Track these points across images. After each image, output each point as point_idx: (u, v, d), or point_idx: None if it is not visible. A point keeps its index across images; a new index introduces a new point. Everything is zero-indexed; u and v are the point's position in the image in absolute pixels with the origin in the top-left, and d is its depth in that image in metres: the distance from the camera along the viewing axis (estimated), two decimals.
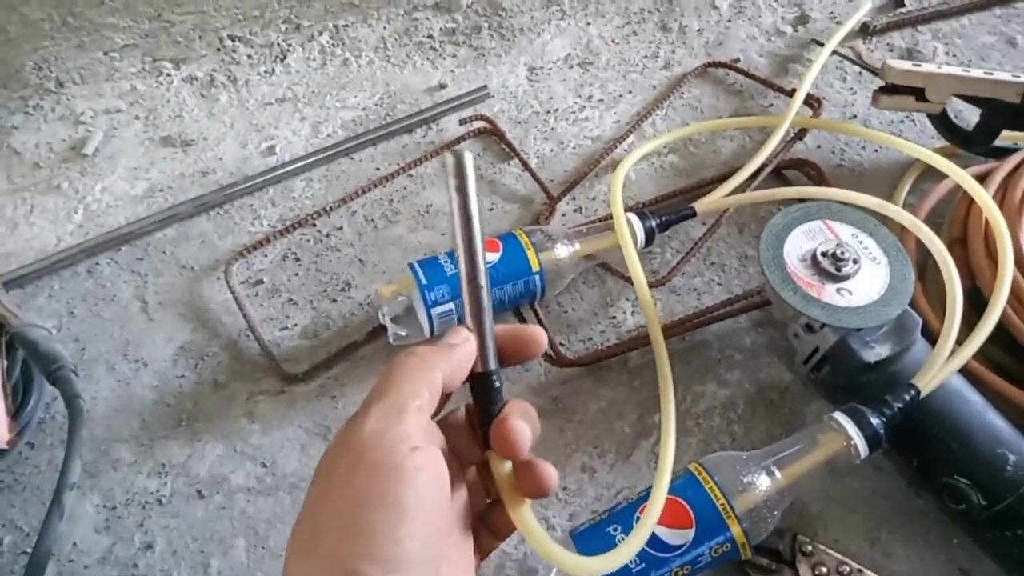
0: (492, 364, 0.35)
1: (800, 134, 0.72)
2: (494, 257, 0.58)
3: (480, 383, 0.35)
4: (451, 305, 0.56)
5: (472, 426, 0.37)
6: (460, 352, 0.34)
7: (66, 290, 0.67)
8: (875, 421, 0.47)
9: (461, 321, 0.36)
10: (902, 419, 0.48)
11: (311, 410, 0.59)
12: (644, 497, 0.48)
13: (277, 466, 0.57)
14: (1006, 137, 0.69)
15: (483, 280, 0.34)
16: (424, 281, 0.56)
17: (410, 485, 0.30)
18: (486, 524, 0.38)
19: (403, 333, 0.57)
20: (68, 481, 0.51)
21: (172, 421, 0.59)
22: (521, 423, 0.34)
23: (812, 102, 0.74)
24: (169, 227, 0.70)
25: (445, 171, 0.33)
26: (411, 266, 0.57)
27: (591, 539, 0.47)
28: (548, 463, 0.35)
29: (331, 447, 0.32)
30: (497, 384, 0.35)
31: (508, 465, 0.35)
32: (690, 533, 0.46)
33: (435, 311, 0.56)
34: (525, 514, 0.34)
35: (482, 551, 0.38)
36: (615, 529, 0.47)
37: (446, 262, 0.58)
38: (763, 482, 0.47)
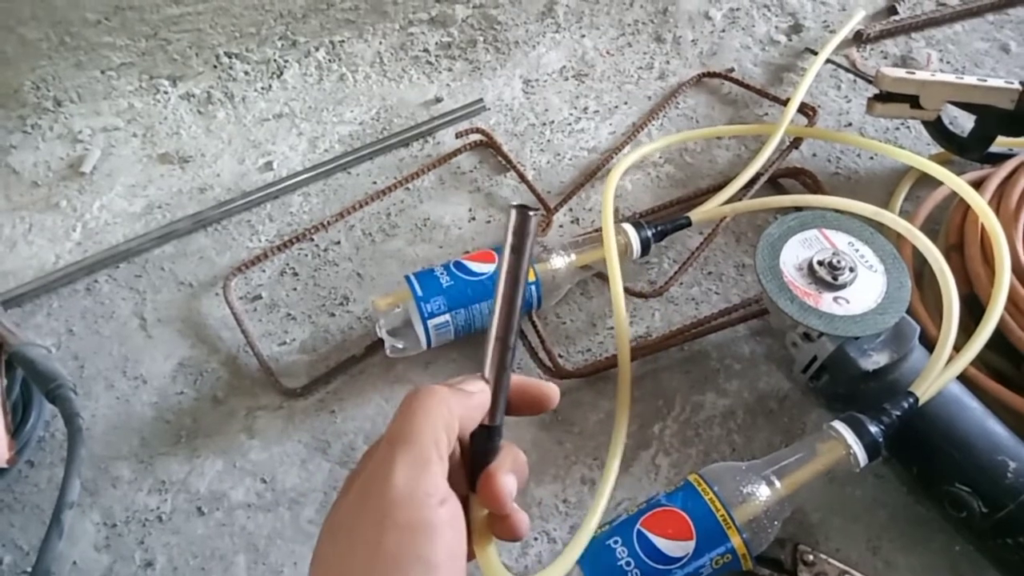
0: (499, 420, 0.36)
1: (795, 143, 0.73)
2: (490, 268, 0.58)
3: (482, 435, 0.35)
4: (447, 317, 0.56)
5: (461, 461, 0.37)
6: (476, 401, 0.34)
7: (65, 308, 0.67)
8: (874, 429, 0.47)
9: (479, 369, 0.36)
10: (901, 427, 0.48)
11: (310, 425, 0.59)
12: (645, 509, 0.48)
13: (277, 481, 0.57)
14: (1001, 143, 0.69)
15: (512, 341, 0.34)
16: (420, 293, 0.56)
17: (440, 540, 0.30)
18: None
19: (400, 345, 0.57)
20: (67, 500, 0.51)
21: (171, 438, 0.59)
22: (510, 479, 0.35)
23: (807, 111, 0.75)
24: (167, 244, 0.70)
25: (507, 226, 0.32)
26: (407, 278, 0.57)
27: (594, 553, 0.47)
28: (524, 513, 0.35)
29: (351, 496, 0.32)
30: (498, 439, 0.36)
31: (485, 510, 0.36)
32: (691, 545, 0.46)
33: (431, 323, 0.56)
34: (491, 556, 0.35)
35: None
36: (615, 542, 0.47)
37: (442, 274, 0.58)
38: (763, 492, 0.47)
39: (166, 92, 0.80)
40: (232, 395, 0.61)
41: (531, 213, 0.32)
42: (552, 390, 0.38)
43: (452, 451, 0.36)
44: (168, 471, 0.58)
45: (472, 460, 0.36)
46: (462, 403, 0.34)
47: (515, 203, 0.33)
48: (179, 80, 0.81)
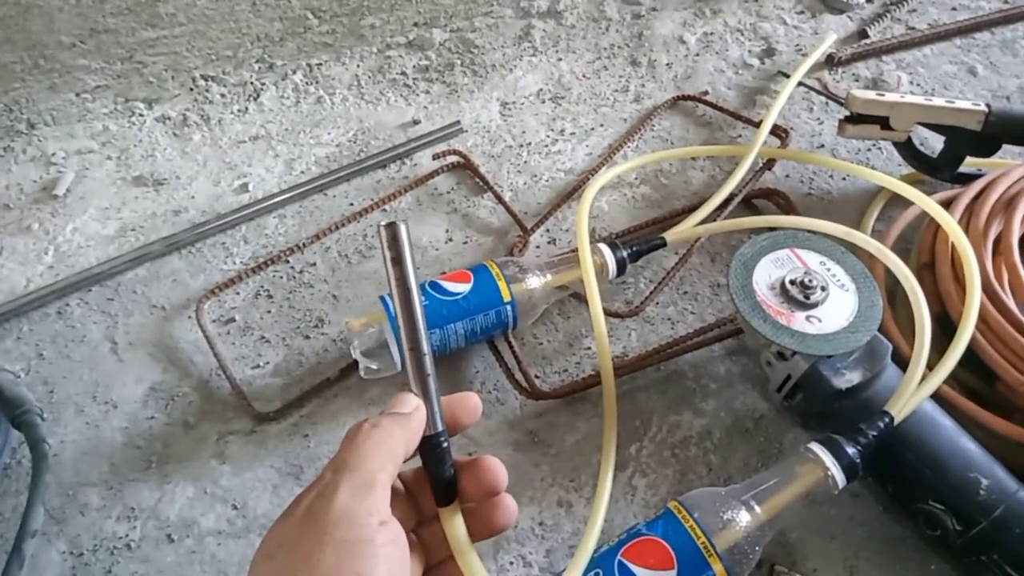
0: (440, 425, 0.36)
1: (768, 164, 0.73)
2: (465, 288, 0.58)
3: (429, 445, 0.36)
4: None
5: (408, 493, 0.37)
6: (416, 422, 0.35)
7: (35, 332, 0.66)
8: (851, 451, 0.47)
9: (407, 385, 0.36)
10: (877, 447, 0.48)
11: (283, 450, 0.58)
12: (625, 539, 0.47)
13: (248, 508, 0.56)
14: (970, 163, 0.71)
15: (425, 347, 0.35)
16: (395, 313, 0.56)
17: (382, 561, 0.30)
18: None
19: (374, 367, 0.57)
20: (29, 528, 0.49)
21: (142, 464, 0.58)
22: (495, 459, 0.36)
23: (779, 132, 0.76)
24: (140, 267, 0.70)
25: (381, 243, 0.34)
26: (382, 299, 0.57)
27: None
28: (510, 496, 0.36)
29: (292, 517, 0.32)
30: (445, 444, 0.36)
31: (460, 520, 0.36)
32: (672, 574, 0.45)
33: None
34: (474, 562, 0.35)
35: None
36: (597, 574, 0.46)
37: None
38: (743, 518, 0.46)
39: (141, 115, 0.80)
40: (204, 420, 0.60)
41: (399, 224, 0.34)
42: (473, 397, 0.38)
43: (395, 485, 0.37)
44: (138, 498, 0.57)
45: (431, 474, 0.36)
46: (404, 427, 0.34)
47: (383, 223, 0.35)
48: (155, 103, 0.80)
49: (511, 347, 0.62)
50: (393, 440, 0.34)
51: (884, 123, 0.70)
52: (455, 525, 0.36)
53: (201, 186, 0.75)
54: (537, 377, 0.62)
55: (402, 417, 0.35)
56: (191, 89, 0.81)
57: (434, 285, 0.59)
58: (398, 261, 0.34)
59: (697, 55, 0.87)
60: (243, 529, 0.55)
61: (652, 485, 0.56)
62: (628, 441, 0.58)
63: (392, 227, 0.34)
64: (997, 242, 0.61)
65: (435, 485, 0.36)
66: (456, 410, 0.38)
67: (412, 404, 0.35)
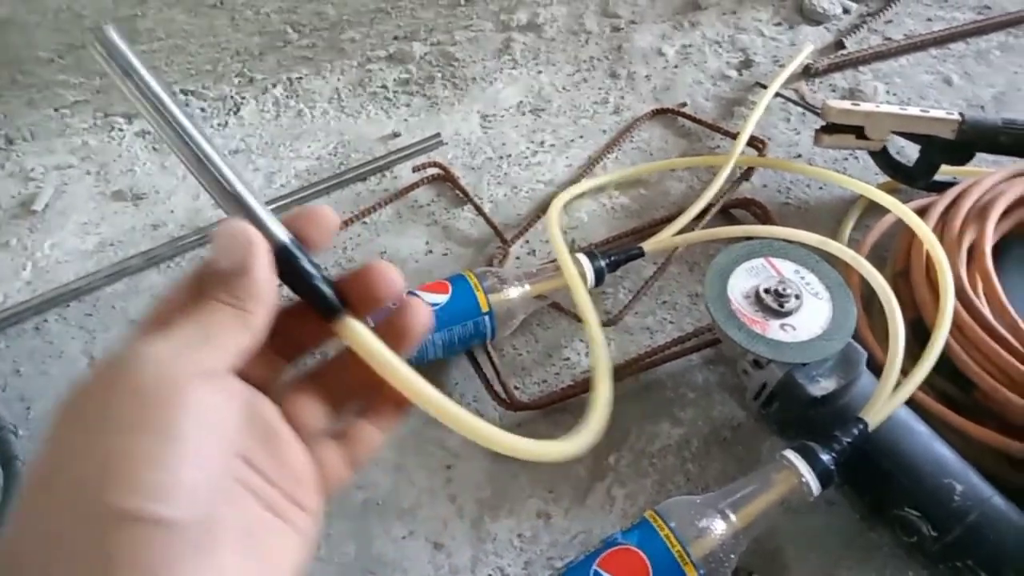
0: (282, 235, 0.29)
1: (746, 174, 0.74)
2: (443, 299, 0.58)
3: (280, 261, 0.29)
4: None
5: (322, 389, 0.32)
6: (255, 257, 0.28)
7: (12, 348, 0.65)
8: (825, 457, 0.47)
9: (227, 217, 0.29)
10: (852, 453, 0.48)
11: None
12: (601, 549, 0.47)
13: None
14: (946, 171, 0.71)
15: (210, 153, 0.28)
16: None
17: (192, 410, 0.24)
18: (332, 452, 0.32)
19: None
20: None
21: None
22: (379, 261, 0.31)
23: (757, 143, 0.76)
24: (119, 282, 0.69)
25: (102, 61, 0.27)
26: None
27: None
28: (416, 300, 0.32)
29: (86, 380, 0.26)
30: (299, 252, 0.30)
31: (361, 326, 0.30)
32: None
33: None
34: (399, 367, 0.30)
35: (331, 478, 0.32)
36: None
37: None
38: (718, 526, 0.46)
39: (121, 129, 0.80)
40: None
41: (105, 28, 0.27)
42: (321, 209, 0.31)
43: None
44: None
45: (301, 292, 0.30)
46: (225, 252, 0.28)
47: (91, 35, 0.28)
48: (134, 117, 0.80)
49: (490, 358, 0.62)
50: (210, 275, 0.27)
51: (859, 132, 0.70)
52: (355, 329, 0.30)
53: (180, 200, 0.75)
54: (516, 388, 0.62)
55: (237, 269, 0.27)
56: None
57: (412, 296, 0.58)
58: (126, 70, 0.27)
59: (676, 67, 0.87)
60: None
61: (631, 495, 0.56)
62: (606, 451, 0.58)
63: (97, 35, 0.27)
64: (971, 249, 0.62)
65: (311, 299, 0.30)
66: (303, 226, 0.30)
67: (236, 229, 0.28)
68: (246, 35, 0.80)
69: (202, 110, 0.81)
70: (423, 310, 0.32)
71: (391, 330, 0.31)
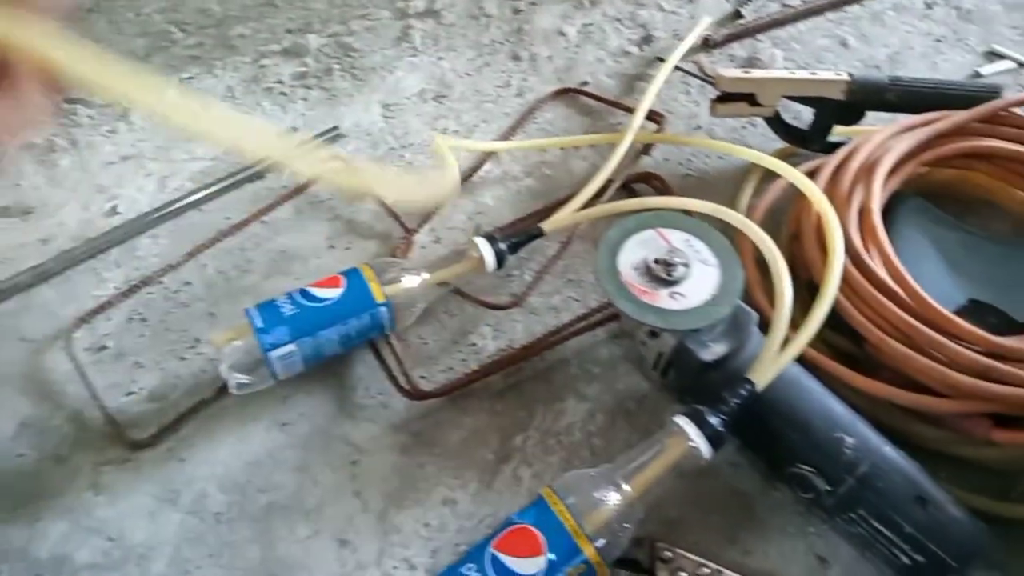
0: None
1: (646, 149, 0.74)
2: (337, 293, 0.57)
3: None
4: (292, 347, 0.55)
5: None
6: None
7: None
8: (714, 420, 0.48)
9: None
10: (743, 414, 0.49)
11: (159, 476, 0.56)
12: (498, 530, 0.47)
13: (124, 538, 0.54)
14: (840, 132, 0.72)
15: None
16: (260, 324, 0.54)
17: None
18: None
19: (245, 380, 0.55)
20: None
21: (10, 504, 0.56)
22: None
23: (655, 117, 0.76)
24: (9, 300, 0.67)
25: None
26: (247, 311, 0.56)
27: None
28: None
29: None
30: None
31: None
32: (542, 560, 0.45)
33: (274, 354, 0.54)
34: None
35: None
36: (470, 568, 0.46)
37: (285, 303, 0.56)
38: (612, 497, 0.46)
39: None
40: (77, 451, 0.58)
41: None
42: None
43: None
44: (6, 540, 0.54)
45: None
46: None
47: None
48: None
49: (392, 348, 0.61)
50: None
51: (752, 100, 0.71)
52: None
53: (70, 212, 0.72)
54: (423, 377, 0.61)
55: None
56: (56, 113, 0.78)
57: (304, 293, 0.57)
58: None
59: (577, 46, 0.87)
60: (120, 560, 0.53)
61: (537, 474, 0.56)
62: (513, 433, 0.58)
63: None
64: (860, 207, 0.63)
65: None
66: None
67: None
68: (128, 37, 0.78)
69: (90, 118, 0.78)
70: None
71: None
